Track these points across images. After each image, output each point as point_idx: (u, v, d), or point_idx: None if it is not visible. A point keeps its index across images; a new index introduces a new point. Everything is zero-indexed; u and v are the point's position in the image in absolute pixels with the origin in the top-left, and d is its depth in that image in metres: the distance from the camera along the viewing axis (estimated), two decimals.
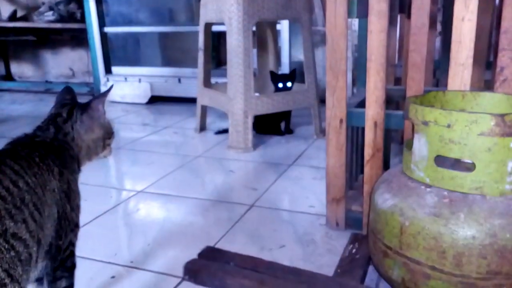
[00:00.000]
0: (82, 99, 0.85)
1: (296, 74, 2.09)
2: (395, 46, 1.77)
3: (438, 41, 2.07)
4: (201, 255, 0.95)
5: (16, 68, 3.92)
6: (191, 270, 0.91)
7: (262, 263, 0.92)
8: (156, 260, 1.10)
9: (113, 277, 1.03)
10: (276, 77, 2.07)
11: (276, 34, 2.35)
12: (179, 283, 1.00)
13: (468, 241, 0.76)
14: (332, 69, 1.09)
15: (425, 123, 0.81)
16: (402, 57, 1.83)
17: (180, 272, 1.02)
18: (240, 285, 0.86)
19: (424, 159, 0.84)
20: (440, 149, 0.81)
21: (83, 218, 0.81)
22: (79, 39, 3.51)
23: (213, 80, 2.27)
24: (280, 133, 2.16)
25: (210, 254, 0.95)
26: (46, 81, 3.79)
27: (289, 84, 2.05)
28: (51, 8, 3.19)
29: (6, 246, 0.57)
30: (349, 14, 1.09)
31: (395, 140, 1.79)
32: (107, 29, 3.01)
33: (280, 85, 2.04)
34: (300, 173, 1.66)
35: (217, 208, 1.39)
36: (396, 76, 1.78)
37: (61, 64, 3.75)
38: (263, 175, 1.65)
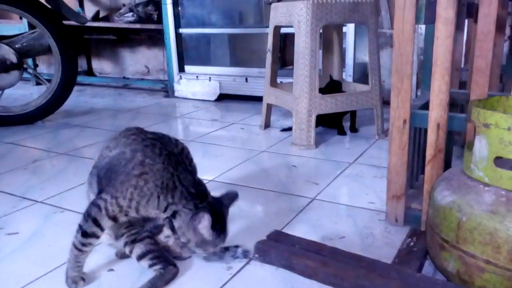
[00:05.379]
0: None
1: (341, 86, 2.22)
2: (462, 50, 1.78)
3: (506, 46, 2.04)
4: (270, 237, 1.06)
5: (97, 64, 4.27)
6: (261, 250, 1.02)
7: (325, 248, 1.01)
8: (227, 239, 1.22)
9: None
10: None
11: (341, 36, 2.41)
12: (248, 262, 1.11)
13: None
14: (398, 72, 1.15)
15: (486, 126, 0.87)
16: (468, 61, 1.83)
17: None
18: (304, 265, 0.96)
19: (484, 160, 0.89)
20: (500, 151, 0.86)
21: None
22: (155, 39, 3.77)
23: (278, 80, 2.38)
24: (343, 133, 2.21)
25: (278, 237, 1.06)
26: (124, 77, 4.10)
27: None
28: (130, 10, 3.46)
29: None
30: (417, 21, 1.14)
31: (458, 144, 1.80)
32: (182, 30, 3.21)
33: None
34: (361, 171, 1.73)
35: (281, 199, 1.49)
36: (461, 80, 1.79)
37: (138, 62, 4.05)
38: (325, 171, 1.73)
